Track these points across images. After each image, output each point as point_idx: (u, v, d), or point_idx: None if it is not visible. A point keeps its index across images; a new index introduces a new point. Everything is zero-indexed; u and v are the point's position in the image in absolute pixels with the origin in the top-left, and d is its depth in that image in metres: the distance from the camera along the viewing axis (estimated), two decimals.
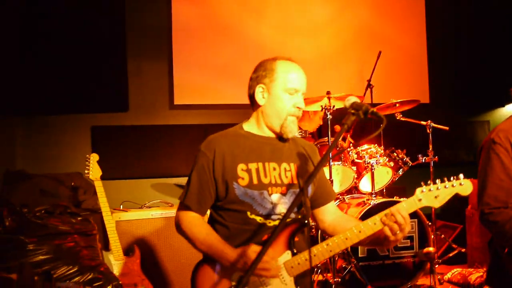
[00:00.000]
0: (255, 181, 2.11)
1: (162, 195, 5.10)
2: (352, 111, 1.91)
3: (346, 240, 2.00)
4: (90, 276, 2.84)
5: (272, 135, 2.24)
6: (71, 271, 2.77)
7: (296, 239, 2.07)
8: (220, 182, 2.12)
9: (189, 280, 3.57)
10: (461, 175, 2.06)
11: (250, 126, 2.26)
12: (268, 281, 2.00)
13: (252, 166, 2.13)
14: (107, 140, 5.08)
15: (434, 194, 2.03)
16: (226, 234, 2.11)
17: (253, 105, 2.26)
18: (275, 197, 2.13)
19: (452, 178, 2.06)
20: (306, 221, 2.08)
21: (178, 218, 2.19)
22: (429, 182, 2.05)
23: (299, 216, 2.19)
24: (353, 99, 1.97)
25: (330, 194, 2.39)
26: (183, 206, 2.18)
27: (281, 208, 2.13)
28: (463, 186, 2.04)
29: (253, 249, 1.92)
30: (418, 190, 2.04)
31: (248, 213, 2.10)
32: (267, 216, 2.11)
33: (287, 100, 2.15)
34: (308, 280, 2.09)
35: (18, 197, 3.42)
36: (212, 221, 2.22)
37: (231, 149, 2.15)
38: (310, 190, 2.23)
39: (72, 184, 4.21)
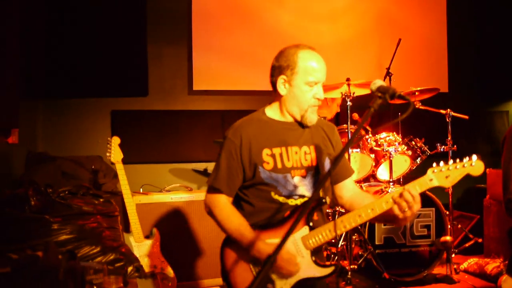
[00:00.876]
0: (279, 166, 2.25)
1: (180, 180, 5.13)
2: (379, 94, 1.91)
3: (359, 217, 2.13)
4: (112, 257, 2.87)
5: (293, 120, 2.35)
6: (94, 251, 2.81)
7: (316, 218, 2.24)
8: (247, 166, 2.26)
9: (207, 263, 3.71)
10: (474, 156, 2.10)
11: (272, 112, 2.36)
12: None
13: (276, 151, 2.26)
14: (127, 124, 5.12)
15: (445, 174, 2.09)
16: (251, 210, 2.28)
17: (275, 91, 2.34)
18: (296, 179, 2.26)
19: (464, 159, 2.10)
20: (324, 200, 2.21)
21: (210, 202, 2.31)
22: (441, 162, 2.11)
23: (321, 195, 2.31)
24: (379, 82, 1.96)
25: (348, 170, 2.48)
26: (213, 189, 2.29)
27: (302, 190, 2.27)
28: (474, 166, 2.08)
29: (286, 253, 2.11)
30: (429, 170, 2.11)
31: (272, 193, 2.25)
32: (289, 197, 2.26)
33: (307, 92, 2.25)
34: (320, 254, 2.30)
35: (41, 178, 3.46)
36: (237, 199, 2.34)
37: (256, 135, 2.27)
38: (327, 167, 2.34)
39: (93, 167, 4.26)
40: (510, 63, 6.04)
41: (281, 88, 2.29)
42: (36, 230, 2.67)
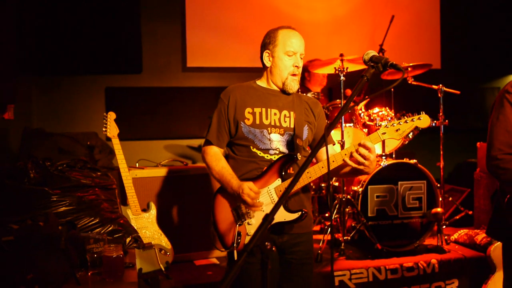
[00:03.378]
0: (257, 122, 2.61)
1: (175, 156, 5.18)
2: (371, 63, 1.98)
3: (322, 168, 2.43)
4: (110, 228, 2.91)
5: (277, 89, 2.71)
6: (93, 222, 2.84)
7: (293, 171, 2.57)
8: (232, 122, 2.65)
9: (203, 235, 3.85)
10: (422, 112, 2.36)
11: (261, 82, 2.76)
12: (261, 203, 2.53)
13: (257, 110, 2.63)
14: (121, 101, 5.14)
15: (395, 128, 2.35)
16: (235, 165, 2.65)
17: (263, 66, 2.74)
18: (273, 136, 2.60)
19: (414, 114, 2.35)
20: (295, 156, 2.52)
21: (204, 151, 2.72)
22: (394, 119, 2.25)
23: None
24: (372, 52, 2.04)
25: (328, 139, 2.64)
26: (206, 141, 2.72)
27: (277, 145, 2.60)
28: (421, 120, 2.34)
29: (248, 185, 2.46)
30: (383, 125, 2.39)
31: (251, 147, 2.61)
32: (266, 151, 2.60)
33: (287, 61, 2.62)
34: (293, 200, 2.58)
35: (38, 154, 3.49)
36: (227, 156, 2.73)
37: (242, 97, 2.66)
38: (307, 133, 2.66)
39: (88, 143, 4.29)
40: (502, 40, 6.09)
41: (266, 61, 2.68)
42: (36, 201, 2.70)
